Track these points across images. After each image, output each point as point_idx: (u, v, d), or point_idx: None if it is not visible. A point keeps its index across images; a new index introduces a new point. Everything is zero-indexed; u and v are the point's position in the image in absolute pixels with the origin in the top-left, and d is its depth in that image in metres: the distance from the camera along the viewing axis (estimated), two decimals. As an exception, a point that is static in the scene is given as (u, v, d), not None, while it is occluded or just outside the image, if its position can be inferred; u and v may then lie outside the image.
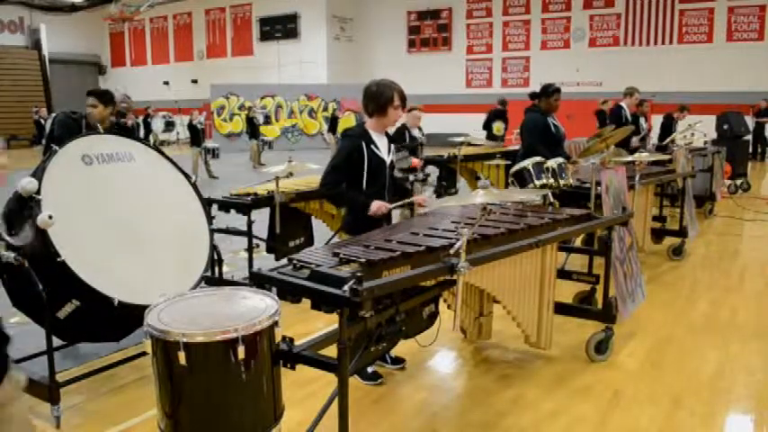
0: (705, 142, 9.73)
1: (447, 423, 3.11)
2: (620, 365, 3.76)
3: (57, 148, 3.18)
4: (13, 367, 1.38)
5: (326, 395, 2.48)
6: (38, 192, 2.93)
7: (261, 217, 4.86)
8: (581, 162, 5.44)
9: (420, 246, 2.64)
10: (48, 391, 2.93)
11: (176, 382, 2.05)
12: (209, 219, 3.75)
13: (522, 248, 3.04)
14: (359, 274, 2.21)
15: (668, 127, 9.89)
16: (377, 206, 3.31)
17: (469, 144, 8.13)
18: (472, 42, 21.43)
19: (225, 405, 2.06)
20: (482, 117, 12.13)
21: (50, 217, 2.84)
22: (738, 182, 10.35)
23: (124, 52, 28.68)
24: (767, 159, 15.56)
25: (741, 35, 16.88)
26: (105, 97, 4.68)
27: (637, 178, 5.22)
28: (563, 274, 4.33)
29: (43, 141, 14.48)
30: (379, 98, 3.36)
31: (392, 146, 3.56)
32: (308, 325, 3.59)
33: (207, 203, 3.90)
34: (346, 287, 2.13)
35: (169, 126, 22.61)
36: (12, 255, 2.90)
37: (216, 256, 3.83)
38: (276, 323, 2.15)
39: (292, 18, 22.87)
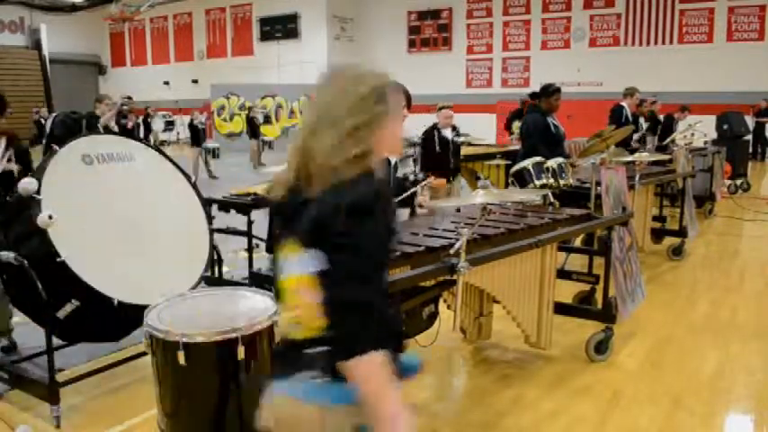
0: (705, 142, 9.73)
1: (447, 423, 3.11)
2: (620, 365, 3.76)
3: (57, 148, 3.18)
4: None
5: (326, 395, 2.48)
6: (38, 192, 2.93)
7: (261, 217, 4.86)
8: (581, 163, 5.45)
9: (420, 246, 2.64)
10: (48, 391, 2.93)
11: (176, 382, 2.05)
12: (209, 219, 3.75)
13: (522, 248, 3.04)
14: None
15: (668, 127, 9.89)
16: None
17: (470, 144, 8.13)
18: (472, 42, 21.42)
19: (224, 405, 2.06)
20: (482, 117, 12.14)
21: (50, 217, 2.84)
22: (738, 182, 10.35)
23: (124, 52, 28.67)
24: (767, 159, 15.56)
25: (741, 35, 16.87)
26: None
27: (637, 178, 5.23)
28: (563, 274, 4.33)
29: (43, 141, 14.49)
30: None
31: None
32: (308, 325, 3.59)
33: (207, 203, 3.90)
34: (346, 287, 2.13)
35: (169, 126, 22.60)
36: (12, 255, 2.91)
37: (216, 256, 3.83)
38: (276, 323, 2.15)
39: (292, 18, 22.86)
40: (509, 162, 7.55)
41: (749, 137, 12.13)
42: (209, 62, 25.46)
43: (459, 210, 3.62)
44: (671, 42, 17.78)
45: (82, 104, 17.92)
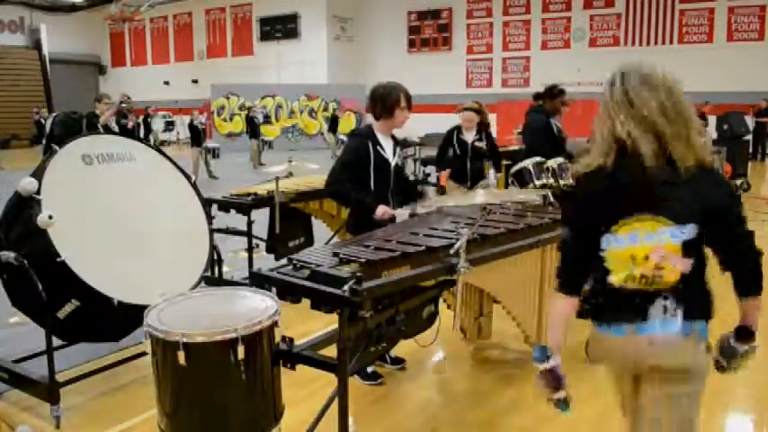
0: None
1: (447, 423, 3.11)
2: (620, 365, 3.75)
3: (57, 148, 3.18)
4: None
5: (326, 395, 2.48)
6: (38, 192, 2.93)
7: (261, 217, 4.86)
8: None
9: (420, 246, 2.64)
10: (48, 391, 2.93)
11: (176, 382, 2.05)
12: (209, 219, 3.75)
13: (522, 248, 3.04)
14: (359, 274, 2.21)
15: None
16: (382, 211, 3.32)
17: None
18: (472, 42, 21.43)
19: (225, 405, 2.06)
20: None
21: (50, 217, 2.84)
22: (738, 182, 10.35)
23: (124, 52, 28.69)
24: (767, 159, 15.56)
25: (741, 35, 16.88)
26: None
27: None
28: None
29: (43, 141, 14.50)
30: (386, 100, 3.38)
31: (398, 149, 3.57)
32: (308, 325, 3.59)
33: (207, 203, 3.90)
34: (346, 287, 2.13)
35: (169, 126, 22.62)
36: (12, 255, 2.91)
37: (216, 256, 3.84)
38: (276, 323, 2.15)
39: (292, 18, 22.87)
40: (509, 162, 7.54)
41: (749, 137, 12.14)
42: (209, 62, 25.47)
43: (413, 215, 3.52)
44: (671, 42, 17.79)
45: (82, 104, 17.91)
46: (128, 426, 3.03)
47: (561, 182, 4.24)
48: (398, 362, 3.68)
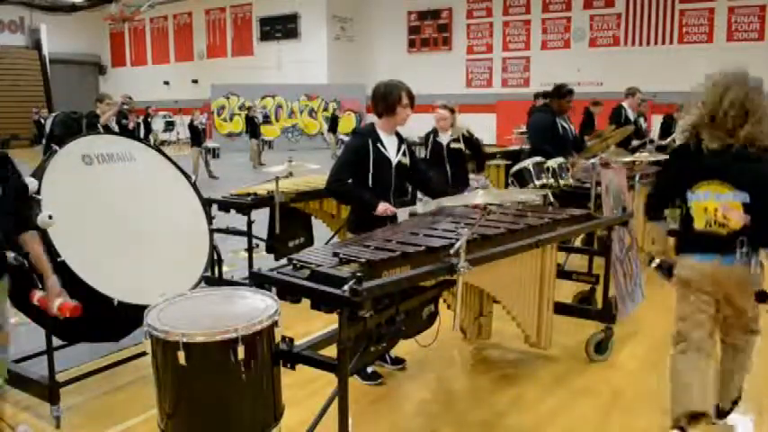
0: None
1: (447, 423, 3.11)
2: (620, 365, 3.76)
3: (57, 147, 3.18)
4: None
5: (326, 395, 2.48)
6: (38, 192, 2.93)
7: (261, 217, 4.86)
8: (581, 162, 5.44)
9: (420, 246, 2.64)
10: (48, 391, 2.93)
11: (176, 382, 2.05)
12: (209, 219, 3.75)
13: (522, 248, 3.04)
14: (359, 274, 2.21)
15: (668, 127, 9.89)
16: (383, 208, 3.32)
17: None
18: (472, 42, 21.43)
19: (225, 405, 2.06)
20: (482, 117, 12.14)
21: (50, 217, 2.84)
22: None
23: (124, 52, 28.68)
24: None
25: (741, 35, 16.87)
26: None
27: (637, 178, 5.22)
28: (563, 274, 4.32)
29: (43, 141, 14.49)
30: (388, 98, 3.38)
31: (403, 147, 3.56)
32: (308, 325, 3.59)
33: (207, 203, 3.90)
34: (346, 287, 2.13)
35: (169, 126, 22.61)
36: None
37: (216, 256, 3.83)
38: (276, 323, 2.15)
39: (292, 18, 22.86)
40: (509, 162, 7.54)
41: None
42: (209, 62, 25.46)
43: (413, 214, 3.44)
44: (671, 42, 17.78)
45: (82, 104, 17.89)
46: (128, 426, 3.03)
47: (561, 182, 4.24)
48: (398, 362, 3.68)
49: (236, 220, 4.78)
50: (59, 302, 2.50)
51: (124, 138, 3.71)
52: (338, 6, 22.54)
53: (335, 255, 2.51)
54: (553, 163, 4.26)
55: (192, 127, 13.03)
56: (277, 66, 23.19)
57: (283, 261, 2.57)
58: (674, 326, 2.80)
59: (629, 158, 5.57)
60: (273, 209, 4.65)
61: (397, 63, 21.46)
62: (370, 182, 3.38)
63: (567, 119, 5.57)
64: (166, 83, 26.42)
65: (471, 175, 5.24)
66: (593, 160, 4.43)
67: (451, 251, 2.52)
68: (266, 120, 20.72)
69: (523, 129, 10.49)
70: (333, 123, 18.42)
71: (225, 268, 4.28)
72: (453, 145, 5.28)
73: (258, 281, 2.42)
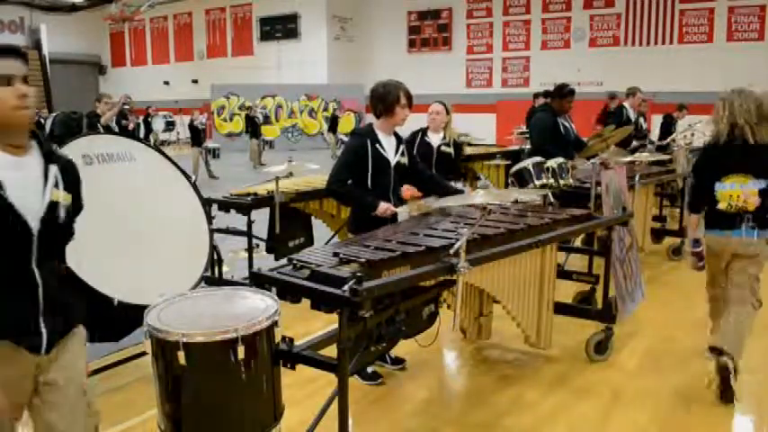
0: (705, 142, 9.71)
1: (447, 423, 3.11)
2: (620, 365, 3.76)
3: (57, 148, 3.17)
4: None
5: (326, 395, 2.48)
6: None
7: (261, 217, 4.86)
8: (581, 163, 5.44)
9: (420, 246, 2.64)
10: (48, 390, 2.93)
11: (176, 382, 2.05)
12: (209, 219, 3.75)
13: (522, 248, 3.04)
14: (359, 274, 2.21)
15: (668, 127, 9.89)
16: (384, 208, 3.32)
17: (469, 144, 8.12)
18: (472, 42, 21.42)
19: (225, 405, 2.06)
20: (482, 117, 12.12)
21: (50, 217, 2.84)
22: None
23: (124, 52, 28.68)
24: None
25: (741, 35, 16.87)
26: None
27: (637, 178, 5.22)
28: (563, 274, 4.33)
29: (43, 141, 14.47)
30: (386, 98, 3.38)
31: (402, 147, 3.56)
32: (308, 325, 3.59)
33: (207, 203, 3.90)
34: (346, 287, 2.13)
35: (170, 126, 22.62)
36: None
37: (216, 256, 3.83)
38: (276, 323, 2.15)
39: (292, 18, 22.86)
40: (509, 162, 7.54)
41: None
42: (209, 62, 25.46)
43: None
44: (671, 42, 17.77)
45: (82, 104, 17.87)
46: (128, 426, 3.03)
47: (561, 182, 4.23)
48: (398, 362, 3.68)
49: (236, 220, 4.78)
50: None
51: (124, 138, 3.71)
52: (338, 6, 22.54)
53: (335, 255, 2.52)
54: (553, 163, 4.25)
55: (192, 127, 13.03)
56: (277, 66, 23.19)
57: (283, 261, 2.57)
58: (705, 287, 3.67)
59: (629, 158, 5.57)
60: (273, 209, 4.65)
61: (396, 63, 21.45)
62: (369, 182, 3.39)
63: (568, 118, 5.57)
64: (166, 83, 26.42)
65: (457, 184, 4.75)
66: (593, 160, 4.43)
67: (451, 251, 2.52)
68: (266, 120, 20.72)
69: (523, 129, 10.50)
70: (333, 123, 18.42)
71: (225, 268, 4.28)
72: (444, 149, 4.90)
73: (258, 281, 2.42)
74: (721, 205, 3.34)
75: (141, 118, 16.67)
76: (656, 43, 18.00)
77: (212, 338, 1.99)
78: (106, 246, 3.11)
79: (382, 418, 3.13)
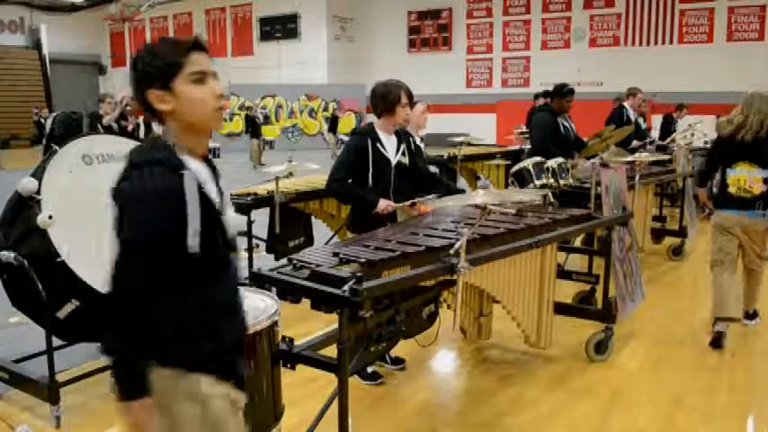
0: (705, 142, 9.72)
1: (447, 423, 3.11)
2: (620, 365, 3.76)
3: (57, 147, 3.18)
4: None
5: (327, 395, 2.48)
6: (38, 192, 2.93)
7: (261, 217, 4.86)
8: (581, 163, 5.43)
9: (420, 246, 2.64)
10: (48, 391, 2.93)
11: (176, 382, 2.05)
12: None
13: (522, 248, 3.04)
14: (359, 274, 2.21)
15: (668, 127, 9.88)
16: (384, 204, 3.33)
17: (469, 144, 8.12)
18: (472, 42, 21.43)
19: (225, 405, 2.06)
20: (482, 117, 12.11)
21: (50, 217, 2.84)
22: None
23: (124, 52, 28.67)
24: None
25: (741, 35, 16.88)
26: None
27: (637, 178, 5.22)
28: (563, 274, 4.32)
29: (43, 141, 14.49)
30: (387, 97, 3.38)
31: (403, 146, 3.55)
32: (308, 325, 3.59)
33: (207, 203, 3.88)
34: (346, 287, 2.13)
35: (169, 126, 22.59)
36: (12, 255, 2.91)
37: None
38: (276, 323, 2.15)
39: (292, 18, 22.87)
40: (509, 162, 7.54)
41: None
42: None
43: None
44: (671, 42, 17.78)
45: (82, 104, 17.91)
46: (128, 426, 3.02)
47: (561, 182, 4.23)
48: (398, 362, 3.68)
49: (236, 220, 4.78)
50: None
51: (124, 138, 3.71)
52: (338, 6, 22.55)
53: (335, 255, 2.52)
54: (553, 163, 4.25)
55: (192, 127, 13.02)
56: (277, 66, 23.19)
57: (283, 261, 2.57)
58: (710, 256, 4.19)
59: (629, 158, 5.57)
60: (273, 209, 4.65)
61: (397, 63, 21.46)
62: (370, 182, 3.39)
63: (568, 118, 5.57)
64: (166, 83, 26.41)
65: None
66: (593, 160, 4.43)
67: (451, 251, 2.52)
68: (266, 120, 20.72)
69: (523, 129, 10.48)
70: (333, 123, 18.42)
71: (225, 268, 4.27)
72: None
73: (258, 281, 2.42)
74: (731, 189, 3.99)
75: (141, 118, 16.67)
76: (656, 43, 18.01)
77: (212, 338, 1.99)
78: (106, 246, 3.10)
79: (382, 419, 3.13)
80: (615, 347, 3.87)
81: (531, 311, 3.42)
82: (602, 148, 5.32)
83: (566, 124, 5.49)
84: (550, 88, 6.02)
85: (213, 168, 1.58)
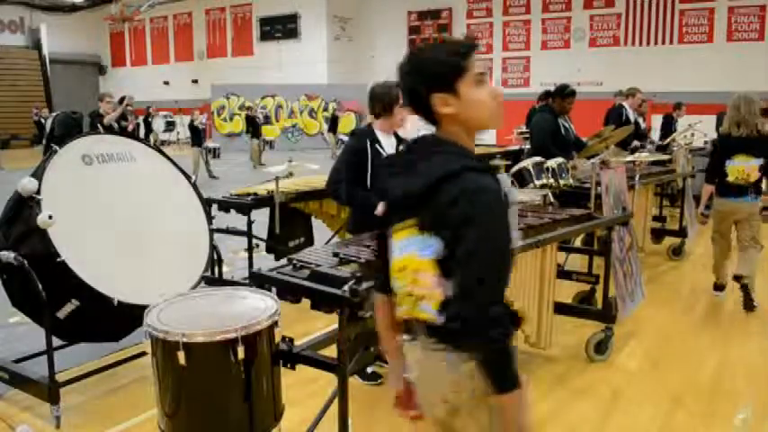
0: (705, 142, 9.72)
1: (447, 423, 3.11)
2: (620, 365, 3.76)
3: (57, 147, 3.18)
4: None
5: (327, 395, 2.48)
6: (38, 192, 2.93)
7: (261, 217, 4.86)
8: (581, 163, 5.44)
9: (420, 246, 2.64)
10: (48, 391, 2.93)
11: (176, 382, 2.05)
12: (209, 219, 3.75)
13: (522, 248, 3.04)
14: (359, 274, 2.21)
15: (668, 127, 9.88)
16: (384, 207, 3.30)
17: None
18: (472, 42, 21.39)
19: (225, 405, 2.06)
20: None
21: (50, 217, 2.84)
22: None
23: (124, 52, 28.67)
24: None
25: (741, 35, 16.86)
26: None
27: (637, 178, 5.22)
28: (563, 274, 4.32)
29: (43, 141, 14.50)
30: (385, 98, 3.37)
31: (401, 147, 3.54)
32: (308, 325, 3.59)
33: (207, 203, 3.90)
34: (346, 287, 2.13)
35: (170, 126, 22.61)
36: (12, 255, 2.91)
37: (216, 256, 3.83)
38: (276, 323, 2.15)
39: (292, 18, 22.86)
40: (509, 162, 7.54)
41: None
42: (210, 62, 25.46)
43: None
44: (671, 42, 17.77)
45: (82, 104, 17.91)
46: (128, 426, 3.03)
47: (561, 182, 4.23)
48: (398, 362, 3.68)
49: (236, 220, 4.79)
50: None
51: (124, 138, 3.71)
52: (338, 6, 22.54)
53: (335, 255, 2.52)
54: (553, 163, 4.25)
55: (192, 127, 13.02)
56: (277, 66, 23.18)
57: (283, 261, 2.57)
58: (712, 232, 4.95)
59: (629, 158, 5.57)
60: (273, 209, 4.65)
61: (397, 63, 21.43)
62: (369, 182, 3.37)
63: (568, 119, 5.57)
64: (166, 83, 26.41)
65: None
66: (593, 160, 4.43)
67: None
68: (266, 120, 20.72)
69: (523, 129, 10.49)
70: (333, 123, 18.41)
71: (225, 268, 4.28)
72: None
73: (258, 281, 2.42)
74: (730, 178, 4.58)
75: (141, 118, 16.68)
76: (656, 43, 18.00)
77: (212, 338, 1.99)
78: (106, 246, 3.11)
79: (382, 419, 3.13)
80: (615, 347, 3.87)
81: (531, 311, 3.42)
82: (602, 149, 5.32)
83: (566, 125, 5.49)
84: (551, 88, 6.02)
85: None
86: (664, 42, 17.88)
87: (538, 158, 4.31)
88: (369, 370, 3.47)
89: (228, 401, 2.06)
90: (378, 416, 3.15)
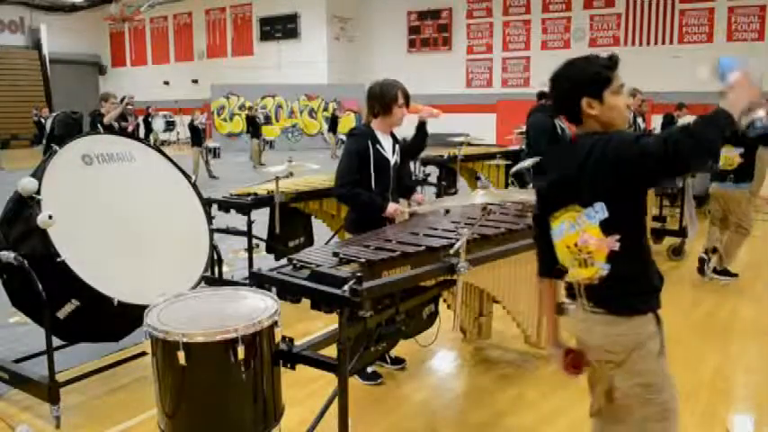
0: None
1: (447, 423, 3.11)
2: (620, 365, 3.75)
3: (57, 147, 3.18)
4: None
5: (327, 395, 2.48)
6: (38, 192, 2.93)
7: (261, 217, 4.87)
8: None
9: (420, 246, 2.64)
10: (48, 391, 2.93)
11: (176, 382, 2.05)
12: (209, 219, 3.75)
13: (522, 248, 3.04)
14: (359, 274, 2.21)
15: (668, 126, 9.88)
16: (392, 209, 3.30)
17: (469, 144, 8.12)
18: (472, 42, 21.43)
19: (225, 405, 2.06)
20: (482, 117, 12.08)
21: (50, 217, 2.84)
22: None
23: (124, 52, 28.68)
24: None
25: (741, 35, 16.88)
26: None
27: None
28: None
29: (43, 141, 14.48)
30: (384, 98, 3.35)
31: (398, 146, 3.54)
32: (308, 325, 3.59)
33: (207, 203, 3.90)
34: (346, 287, 2.13)
35: (170, 126, 22.61)
36: (12, 255, 2.91)
37: (216, 256, 3.83)
38: (276, 323, 2.15)
39: (292, 18, 22.87)
40: (509, 162, 7.54)
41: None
42: (209, 62, 25.47)
43: (447, 211, 3.47)
44: (671, 42, 17.78)
45: (82, 104, 17.90)
46: (128, 426, 3.03)
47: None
48: (398, 362, 3.68)
49: (236, 220, 4.79)
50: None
51: (124, 138, 3.71)
52: (338, 6, 22.55)
53: (335, 255, 2.52)
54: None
55: (192, 127, 13.02)
56: (277, 66, 23.19)
57: (283, 261, 2.57)
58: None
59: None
60: (273, 209, 4.65)
61: (396, 63, 21.46)
62: (373, 183, 3.35)
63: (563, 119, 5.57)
64: (166, 83, 26.42)
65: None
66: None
67: (451, 251, 2.52)
68: (266, 120, 20.72)
69: (523, 129, 10.48)
70: (333, 123, 18.42)
71: (225, 268, 4.28)
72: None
73: (258, 281, 2.42)
74: (720, 164, 5.20)
75: (141, 118, 16.67)
76: (656, 43, 18.01)
77: (212, 338, 1.99)
78: (106, 246, 3.11)
79: (382, 419, 3.13)
80: (615, 347, 3.87)
81: (531, 311, 3.42)
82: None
83: (562, 125, 5.48)
84: (546, 89, 6.01)
85: None
86: (664, 42, 17.89)
87: (538, 158, 4.31)
88: (369, 370, 3.47)
89: (228, 401, 2.06)
90: (378, 416, 3.16)
